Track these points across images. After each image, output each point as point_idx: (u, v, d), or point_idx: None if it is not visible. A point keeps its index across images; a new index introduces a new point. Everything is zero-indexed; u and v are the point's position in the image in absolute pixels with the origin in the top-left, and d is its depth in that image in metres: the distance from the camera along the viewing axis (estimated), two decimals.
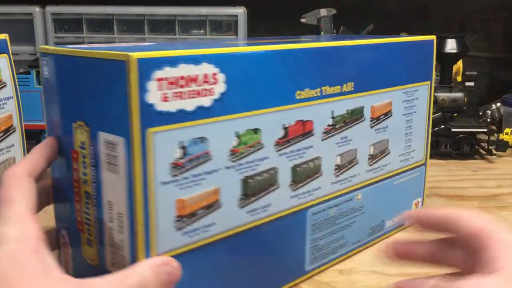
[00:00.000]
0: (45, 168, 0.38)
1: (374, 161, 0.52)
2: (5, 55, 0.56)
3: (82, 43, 1.03)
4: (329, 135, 0.46)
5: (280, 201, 0.43)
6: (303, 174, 0.45)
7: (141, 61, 0.32)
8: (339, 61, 0.46)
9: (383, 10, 1.21)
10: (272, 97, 0.40)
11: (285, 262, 0.45)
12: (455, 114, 0.91)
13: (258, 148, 0.40)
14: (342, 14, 1.02)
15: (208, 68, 0.35)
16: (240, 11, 1.03)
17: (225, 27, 1.07)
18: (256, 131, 0.40)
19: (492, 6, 1.23)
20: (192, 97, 0.35)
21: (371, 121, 0.51)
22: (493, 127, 0.95)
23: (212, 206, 0.38)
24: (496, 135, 0.89)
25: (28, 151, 0.52)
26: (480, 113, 0.97)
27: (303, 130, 0.44)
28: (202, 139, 0.36)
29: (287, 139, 0.42)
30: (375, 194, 0.53)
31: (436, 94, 0.88)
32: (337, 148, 0.48)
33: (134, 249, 0.34)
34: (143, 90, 0.32)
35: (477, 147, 0.88)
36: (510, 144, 0.88)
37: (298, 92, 0.42)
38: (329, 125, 0.46)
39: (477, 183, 0.77)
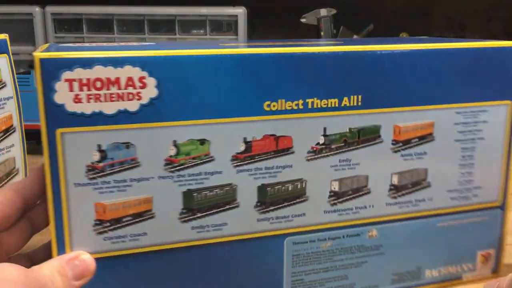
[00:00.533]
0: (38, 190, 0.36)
1: (400, 193, 0.43)
2: (5, 55, 0.55)
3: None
4: (319, 155, 0.39)
5: (240, 222, 0.39)
6: (277, 196, 0.39)
7: (44, 61, 0.32)
8: (335, 70, 0.38)
9: (383, 10, 1.17)
10: (227, 107, 0.36)
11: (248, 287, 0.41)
12: None
13: (206, 161, 0.37)
14: (342, 14, 1.00)
15: (132, 72, 0.33)
16: (240, 11, 0.99)
17: (225, 27, 1.02)
18: (202, 142, 0.36)
19: (492, 6, 1.21)
20: (112, 100, 0.34)
21: (394, 144, 0.41)
22: None
23: (142, 216, 0.36)
24: None
25: (28, 151, 0.57)
26: None
27: (276, 146, 0.38)
28: (128, 145, 0.34)
29: (249, 154, 0.38)
30: (403, 233, 0.44)
31: None
32: (334, 172, 0.40)
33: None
34: (49, 90, 0.32)
35: None
36: None
37: (268, 103, 0.37)
38: (318, 144, 0.39)
39: None
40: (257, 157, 0.38)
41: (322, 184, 0.40)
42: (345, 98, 0.39)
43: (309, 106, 0.38)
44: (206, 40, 1.01)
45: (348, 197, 0.41)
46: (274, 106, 0.37)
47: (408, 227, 0.44)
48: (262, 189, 0.38)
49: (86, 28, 1.01)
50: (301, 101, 0.38)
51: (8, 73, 0.55)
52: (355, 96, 0.39)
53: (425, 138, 0.42)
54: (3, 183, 0.55)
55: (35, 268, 0.32)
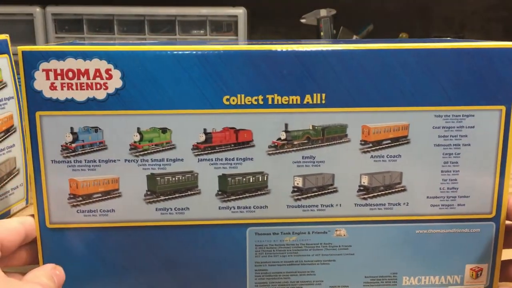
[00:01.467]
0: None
1: (371, 195, 0.42)
2: (6, 55, 0.55)
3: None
4: (281, 150, 0.41)
5: (202, 208, 0.41)
6: (237, 187, 0.41)
7: (25, 53, 0.37)
8: (295, 68, 0.39)
9: (383, 10, 1.16)
10: (188, 99, 0.39)
11: (212, 272, 0.43)
12: None
13: (168, 148, 0.40)
14: (342, 14, 1.00)
15: (99, 64, 0.38)
16: (240, 12, 0.98)
17: (225, 27, 1.00)
18: (164, 130, 0.40)
19: (492, 7, 1.22)
20: (82, 89, 0.38)
21: (363, 144, 0.41)
22: None
23: (110, 194, 0.40)
24: None
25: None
26: None
27: (236, 139, 0.40)
28: (96, 129, 0.39)
29: (209, 144, 0.40)
30: (376, 236, 0.43)
31: None
32: (296, 167, 0.41)
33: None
34: (29, 77, 0.38)
35: None
36: None
37: (227, 97, 0.39)
38: (280, 139, 0.41)
39: None
40: (217, 148, 0.40)
41: (284, 179, 0.41)
42: (308, 96, 0.40)
43: (269, 102, 0.40)
44: (205, 40, 1.01)
45: (313, 194, 0.42)
46: (233, 100, 0.39)
47: (382, 230, 0.43)
48: (222, 178, 0.41)
49: (86, 29, 1.02)
50: (260, 97, 0.40)
51: (8, 73, 0.55)
52: (318, 94, 0.40)
53: (399, 140, 0.41)
54: (4, 183, 0.57)
55: (27, 277, 0.36)
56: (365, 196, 0.42)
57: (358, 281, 0.44)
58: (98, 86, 0.38)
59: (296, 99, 0.40)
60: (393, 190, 0.42)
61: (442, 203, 0.43)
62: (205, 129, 0.40)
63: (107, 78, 0.38)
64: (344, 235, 0.43)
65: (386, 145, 0.41)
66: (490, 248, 0.44)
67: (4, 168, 0.56)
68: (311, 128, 0.41)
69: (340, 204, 0.42)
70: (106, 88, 0.38)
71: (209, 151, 0.40)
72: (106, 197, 0.40)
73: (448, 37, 0.86)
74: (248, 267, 0.43)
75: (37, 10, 1.02)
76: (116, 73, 0.38)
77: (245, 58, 0.39)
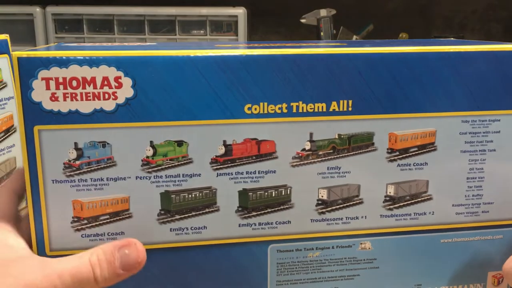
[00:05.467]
0: None
1: (397, 205, 0.40)
2: (6, 55, 0.55)
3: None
4: (305, 161, 0.38)
5: (221, 226, 0.38)
6: (259, 202, 0.38)
7: (22, 60, 0.33)
8: (322, 73, 0.36)
9: (383, 10, 1.17)
10: (207, 109, 0.36)
11: None
12: None
13: (184, 163, 0.36)
14: (342, 14, 1.00)
15: (108, 71, 0.34)
16: (240, 12, 0.98)
17: (225, 27, 1.01)
18: (180, 143, 0.36)
19: (492, 6, 1.22)
20: (88, 99, 0.34)
21: (389, 153, 0.39)
22: None
23: (119, 215, 0.36)
24: None
25: None
26: None
27: (258, 150, 0.37)
28: (103, 144, 0.35)
29: (230, 158, 0.37)
30: (401, 247, 0.41)
31: None
32: (321, 179, 0.38)
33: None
34: (26, 87, 0.33)
35: None
36: None
37: (249, 105, 0.36)
38: (304, 150, 0.38)
39: None
40: (237, 161, 0.37)
41: (309, 191, 0.38)
42: (334, 103, 0.37)
43: (294, 110, 0.37)
44: (205, 41, 1.01)
45: (338, 206, 0.39)
46: (255, 109, 0.36)
47: (407, 242, 0.41)
48: (243, 194, 0.38)
49: (86, 29, 1.01)
50: (285, 105, 0.36)
51: (9, 74, 0.55)
52: (345, 101, 0.37)
53: (426, 147, 0.39)
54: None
55: (72, 258, 0.32)
56: (391, 206, 0.40)
57: None
58: (106, 96, 0.34)
59: (322, 107, 0.37)
60: (419, 199, 0.40)
61: (467, 211, 0.41)
62: (224, 141, 0.36)
63: (116, 87, 0.34)
64: (369, 248, 0.41)
65: (413, 153, 0.39)
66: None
67: (4, 168, 0.55)
68: (337, 137, 0.38)
69: (366, 216, 0.40)
70: (115, 98, 0.34)
71: (229, 165, 0.37)
72: (114, 219, 0.36)
73: (448, 37, 0.87)
74: (269, 286, 0.40)
75: (37, 10, 1.01)
76: (127, 81, 0.34)
77: (270, 62, 0.36)
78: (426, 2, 1.21)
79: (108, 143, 0.35)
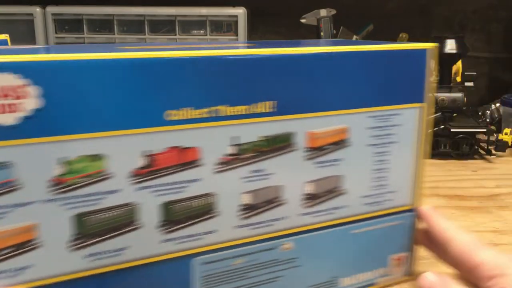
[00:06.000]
0: None
1: (315, 202, 0.40)
2: None
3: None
4: (229, 167, 0.37)
5: (142, 245, 0.36)
6: (183, 214, 0.36)
7: None
8: (244, 75, 0.35)
9: (383, 10, 1.18)
10: (124, 118, 0.33)
11: None
12: (454, 114, 0.91)
13: (100, 179, 0.34)
14: (342, 14, 0.99)
15: (9, 79, 0.30)
16: (240, 12, 0.98)
17: (225, 27, 1.01)
18: (96, 157, 0.34)
19: (492, 6, 1.22)
20: None
21: (307, 151, 0.39)
22: (493, 127, 0.97)
23: (24, 246, 0.32)
24: (495, 135, 0.90)
25: None
26: (480, 113, 1.03)
27: (181, 159, 0.35)
28: (4, 165, 0.31)
29: (152, 169, 0.35)
30: (319, 243, 0.42)
31: (435, 94, 0.88)
32: (244, 183, 0.37)
33: None
34: None
35: (476, 147, 0.88)
36: (510, 144, 0.88)
37: (169, 112, 0.34)
38: (228, 155, 0.36)
39: (477, 183, 0.76)
40: (160, 172, 0.35)
41: (232, 197, 0.37)
42: (257, 105, 0.36)
43: (217, 114, 0.35)
44: (206, 41, 1.01)
45: (261, 210, 0.39)
46: (176, 115, 0.34)
47: (324, 237, 0.42)
48: (166, 206, 0.36)
49: (86, 29, 1.02)
50: (207, 109, 0.35)
51: None
52: (268, 102, 0.37)
53: (339, 144, 0.40)
54: None
55: None
56: (310, 204, 0.40)
57: None
58: (7, 108, 0.31)
59: (246, 109, 0.36)
60: (335, 195, 0.41)
61: (373, 201, 0.43)
62: (145, 152, 0.34)
63: (19, 98, 0.31)
64: (290, 248, 0.41)
65: (329, 150, 0.40)
66: (409, 236, 0.45)
67: None
68: (260, 139, 0.37)
69: (287, 217, 0.40)
70: (19, 110, 0.31)
71: (151, 177, 0.35)
72: (18, 252, 0.32)
73: (448, 37, 0.87)
74: None
75: (37, 10, 1.01)
76: (33, 90, 0.31)
77: (191, 65, 0.34)
78: (426, 2, 1.21)
79: (9, 163, 0.31)
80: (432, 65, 0.42)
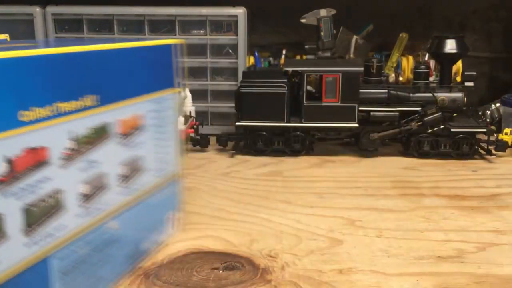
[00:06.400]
0: None
1: (127, 182, 0.46)
2: None
3: None
4: (70, 161, 0.38)
5: (11, 257, 0.33)
6: (41, 214, 0.35)
7: None
8: (72, 70, 0.37)
9: (383, 10, 1.17)
10: None
11: None
12: (454, 114, 0.91)
13: None
14: (342, 14, 0.99)
15: None
16: (240, 12, 0.98)
17: (225, 27, 1.00)
18: None
19: (492, 6, 1.22)
20: None
21: (119, 137, 0.44)
22: (493, 127, 0.97)
23: None
24: (495, 135, 0.91)
25: None
26: (480, 113, 1.03)
27: (34, 160, 0.34)
28: None
29: (14, 174, 0.33)
30: (133, 218, 0.48)
31: (435, 94, 0.89)
32: (82, 174, 0.39)
33: None
34: None
35: (476, 147, 0.88)
36: (510, 144, 0.89)
37: (21, 112, 0.33)
38: (68, 149, 0.38)
39: (477, 183, 0.76)
40: (21, 176, 0.33)
41: (74, 189, 0.39)
42: (84, 98, 0.39)
43: (58, 111, 0.36)
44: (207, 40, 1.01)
45: (95, 197, 0.41)
46: (28, 115, 0.33)
47: (137, 211, 0.48)
48: (27, 210, 0.34)
49: (86, 28, 1.02)
50: (50, 107, 0.35)
51: None
52: (93, 96, 0.40)
53: (138, 128, 0.47)
54: None
55: None
56: (124, 184, 0.45)
57: (125, 263, 0.47)
58: None
59: (76, 104, 0.38)
60: (139, 173, 0.48)
61: (159, 173, 0.51)
62: (6, 156, 0.32)
63: None
64: (115, 227, 0.45)
65: (132, 135, 0.46)
66: (178, 199, 0.56)
67: None
68: (90, 131, 0.40)
69: (111, 199, 0.44)
70: None
71: (14, 182, 0.33)
72: None
73: (448, 37, 0.87)
74: None
75: (37, 10, 1.00)
76: None
77: (27, 64, 0.33)
78: (426, 2, 1.21)
79: None
80: (180, 56, 0.52)
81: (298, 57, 1.09)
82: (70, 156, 0.38)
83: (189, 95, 0.94)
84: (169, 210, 0.55)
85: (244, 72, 0.90)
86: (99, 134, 0.41)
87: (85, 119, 0.39)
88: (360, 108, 0.86)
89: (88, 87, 0.39)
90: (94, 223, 0.41)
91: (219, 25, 1.01)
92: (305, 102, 0.86)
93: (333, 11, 0.97)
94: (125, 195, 0.46)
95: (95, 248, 0.42)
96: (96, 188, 0.41)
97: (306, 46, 0.94)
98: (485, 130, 0.87)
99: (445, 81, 0.91)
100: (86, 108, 0.39)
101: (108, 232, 0.43)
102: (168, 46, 0.51)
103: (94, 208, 0.41)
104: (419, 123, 0.86)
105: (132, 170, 0.46)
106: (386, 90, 0.89)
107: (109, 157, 0.43)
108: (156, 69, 0.49)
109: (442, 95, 0.88)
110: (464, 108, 0.90)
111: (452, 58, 0.90)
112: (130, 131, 0.45)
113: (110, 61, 0.42)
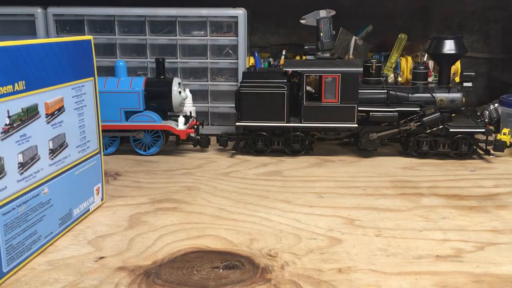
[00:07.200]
0: None
1: (54, 155, 0.56)
2: None
3: None
4: (8, 134, 0.48)
5: None
6: None
7: None
8: (7, 60, 0.48)
9: (382, 11, 1.18)
10: None
11: None
12: (453, 115, 0.92)
13: None
14: (342, 15, 1.00)
15: None
16: (240, 12, 0.99)
17: (226, 28, 1.00)
18: None
19: (490, 7, 1.23)
20: None
21: (46, 117, 0.54)
22: (491, 127, 0.97)
23: None
24: (494, 135, 0.91)
25: None
26: (478, 114, 1.04)
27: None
28: None
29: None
30: (60, 186, 0.58)
31: (434, 94, 0.90)
32: (18, 146, 0.50)
33: None
34: None
35: (475, 147, 0.89)
36: (508, 144, 0.90)
37: None
38: (6, 125, 0.48)
39: (475, 182, 0.77)
40: None
41: (12, 158, 0.49)
42: (16, 84, 0.49)
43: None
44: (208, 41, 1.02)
45: (28, 166, 0.51)
46: None
47: (62, 180, 0.58)
48: None
49: (87, 29, 1.03)
50: None
51: None
52: (22, 82, 0.50)
53: (60, 110, 0.57)
54: None
55: None
56: (52, 157, 0.56)
57: (56, 225, 0.57)
58: None
59: (11, 88, 0.48)
60: (63, 148, 0.58)
61: (82, 149, 0.62)
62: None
63: None
64: (47, 192, 0.55)
65: (56, 115, 0.56)
66: (101, 172, 0.68)
67: None
68: (21, 111, 0.50)
69: (42, 168, 0.54)
70: None
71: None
72: None
73: (446, 37, 0.87)
74: (1, 247, 0.48)
75: (38, 10, 1.01)
76: None
77: None
78: (425, 2, 1.21)
79: None
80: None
81: (297, 58, 1.09)
82: (7, 131, 0.48)
83: (189, 95, 0.95)
84: (96, 182, 0.67)
85: (244, 73, 0.91)
86: (29, 114, 0.51)
87: (17, 100, 0.49)
88: (359, 108, 0.86)
89: (19, 75, 0.49)
90: (29, 187, 0.52)
91: (219, 26, 1.01)
92: (304, 103, 0.86)
93: (333, 12, 0.97)
94: (53, 166, 0.56)
95: (31, 208, 0.53)
96: (29, 158, 0.52)
97: (305, 47, 0.94)
98: (483, 130, 0.87)
99: (444, 82, 0.91)
100: (18, 91, 0.49)
101: (41, 196, 0.54)
102: (88, 42, 0.63)
103: (29, 175, 0.52)
104: (418, 123, 0.87)
105: (58, 146, 0.57)
106: (385, 91, 0.89)
107: (38, 133, 0.53)
108: (77, 61, 0.60)
109: (440, 96, 0.89)
110: (463, 108, 0.91)
111: (451, 59, 0.91)
112: (54, 112, 0.56)
113: (37, 53, 0.52)
